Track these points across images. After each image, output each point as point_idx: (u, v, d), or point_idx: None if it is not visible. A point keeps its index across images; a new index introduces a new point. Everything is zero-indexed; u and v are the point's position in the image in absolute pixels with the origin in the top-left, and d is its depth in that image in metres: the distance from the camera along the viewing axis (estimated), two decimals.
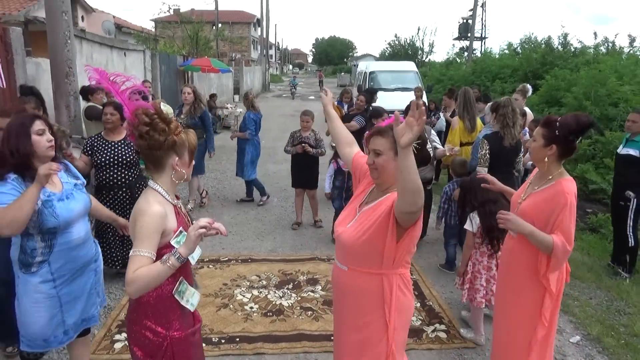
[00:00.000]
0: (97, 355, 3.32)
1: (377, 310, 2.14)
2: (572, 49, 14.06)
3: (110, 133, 4.19)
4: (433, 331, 3.74)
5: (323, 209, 6.48)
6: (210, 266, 4.84)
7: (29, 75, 6.13)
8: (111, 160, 4.11)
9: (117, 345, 3.42)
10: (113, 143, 4.15)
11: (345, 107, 8.50)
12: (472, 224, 3.63)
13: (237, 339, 3.53)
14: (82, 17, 19.96)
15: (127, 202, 4.16)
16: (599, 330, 3.83)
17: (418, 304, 4.11)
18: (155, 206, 1.85)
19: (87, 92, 6.17)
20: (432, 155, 5.08)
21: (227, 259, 5.06)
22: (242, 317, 3.85)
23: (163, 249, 1.84)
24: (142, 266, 1.75)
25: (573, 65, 11.73)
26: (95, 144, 4.15)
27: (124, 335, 3.53)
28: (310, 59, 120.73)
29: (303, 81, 56.83)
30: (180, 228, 1.95)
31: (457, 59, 25.75)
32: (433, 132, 5.79)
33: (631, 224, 4.70)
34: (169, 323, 1.95)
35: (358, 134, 6.64)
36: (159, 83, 12.38)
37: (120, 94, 2.03)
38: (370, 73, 16.11)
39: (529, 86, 7.02)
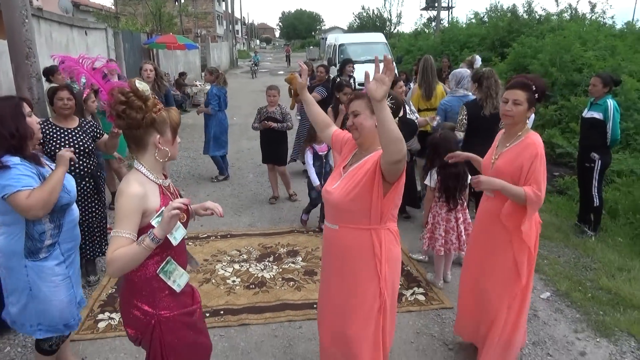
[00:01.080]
0: (82, 334, 3.32)
1: (368, 264, 2.29)
2: (537, 17, 14.26)
3: (62, 120, 3.78)
4: (412, 294, 3.87)
5: (299, 183, 6.52)
6: (190, 243, 4.84)
7: None
8: (74, 148, 3.70)
9: (101, 325, 3.42)
10: (69, 131, 3.76)
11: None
12: (431, 180, 4.04)
13: (222, 312, 3.58)
14: None
15: (93, 192, 3.91)
16: (567, 286, 4.03)
17: None
18: (133, 186, 1.84)
19: (48, 73, 5.96)
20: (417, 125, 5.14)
21: (206, 235, 5.06)
22: (225, 290, 3.89)
23: (145, 229, 1.84)
24: (121, 247, 1.76)
25: (539, 32, 11.91)
26: (47, 132, 3.69)
27: (107, 314, 3.55)
28: (277, 34, 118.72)
29: (271, 56, 55.98)
30: (163, 208, 1.91)
31: (425, 30, 25.78)
32: (411, 103, 5.83)
33: (596, 184, 4.91)
34: (155, 302, 1.95)
35: (320, 105, 6.63)
36: (124, 62, 12.02)
37: (93, 75, 1.98)
38: (340, 45, 16.03)
39: (477, 57, 7.37)
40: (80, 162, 3.77)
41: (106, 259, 1.78)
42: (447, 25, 22.49)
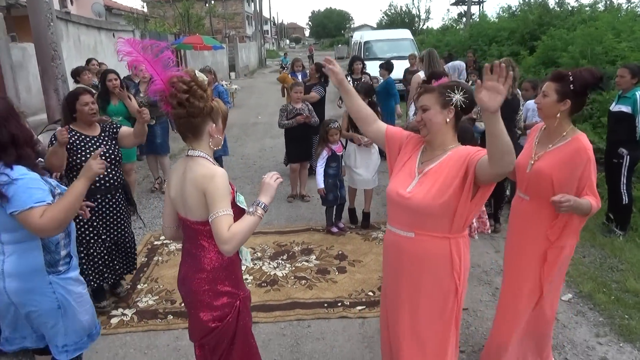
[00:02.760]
0: None
1: (447, 276, 2.10)
2: (569, 8, 13.76)
3: (86, 126, 3.39)
4: None
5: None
6: None
7: (14, 60, 6.09)
8: (102, 157, 3.25)
9: (114, 320, 3.49)
10: (94, 138, 3.40)
11: (299, 76, 8.33)
12: None
13: None
14: (71, 0, 19.64)
15: (123, 205, 3.56)
16: (591, 287, 3.85)
17: None
18: (218, 168, 1.90)
19: (75, 74, 6.11)
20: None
21: None
22: None
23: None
24: (230, 223, 1.82)
25: (570, 24, 11.48)
26: (73, 142, 3.30)
27: (120, 310, 3.60)
28: (307, 33, 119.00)
29: (300, 55, 56.05)
30: (235, 187, 2.02)
31: (454, 25, 25.30)
32: None
33: (625, 181, 4.68)
34: (236, 282, 2.05)
35: (318, 105, 6.55)
36: None
37: (153, 64, 1.91)
38: (365, 43, 15.89)
39: (433, 51, 7.30)
40: (112, 173, 3.43)
41: (221, 238, 1.80)
42: (477, 20, 22.00)
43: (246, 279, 4.05)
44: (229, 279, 2.01)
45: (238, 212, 1.94)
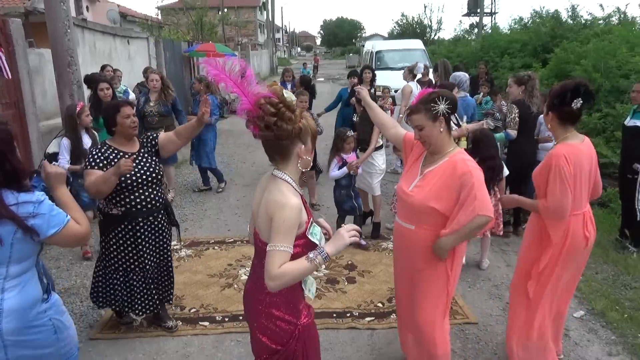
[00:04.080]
0: (104, 334, 3.41)
1: (439, 265, 2.47)
2: (583, 21, 13.70)
3: (125, 142, 3.12)
4: None
5: (328, 189, 6.48)
6: (216, 247, 4.90)
7: (32, 66, 6.17)
8: (144, 176, 3.07)
9: (123, 326, 3.49)
10: (135, 155, 3.09)
11: (289, 86, 8.37)
12: None
13: (241, 317, 3.57)
14: (87, 7, 19.95)
15: (166, 227, 3.29)
16: (603, 305, 3.80)
17: None
18: (293, 198, 1.80)
19: (90, 81, 6.16)
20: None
21: (232, 240, 5.11)
22: None
23: (295, 241, 1.81)
24: (285, 262, 1.74)
25: (583, 37, 11.43)
26: (113, 159, 3.02)
27: (132, 316, 3.59)
28: (318, 41, 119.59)
29: (311, 64, 56.29)
30: (312, 219, 1.92)
31: (466, 36, 25.30)
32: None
33: (639, 197, 4.63)
34: (296, 311, 1.96)
35: None
36: (164, 70, 12.38)
37: (239, 85, 1.84)
38: (377, 52, 15.91)
39: (420, 65, 7.47)
40: (153, 193, 3.13)
41: (269, 274, 1.73)
42: (489, 31, 21.98)
43: None
44: (285, 306, 1.93)
45: (308, 245, 1.86)
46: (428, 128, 2.38)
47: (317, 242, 1.86)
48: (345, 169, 4.79)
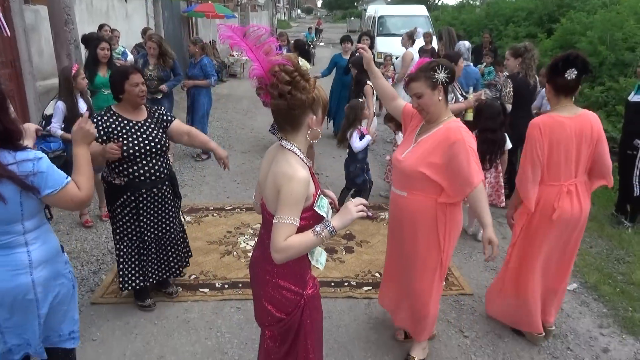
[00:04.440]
0: (106, 298, 3.47)
1: (432, 231, 2.52)
2: None
3: (132, 110, 3.03)
4: None
5: (327, 158, 6.47)
6: (215, 214, 4.92)
7: (27, 23, 6.01)
8: (148, 147, 2.99)
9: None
10: (139, 124, 3.03)
11: (284, 50, 8.22)
12: None
13: (240, 285, 3.64)
14: None
15: (170, 198, 3.24)
16: (596, 278, 3.87)
17: None
18: (301, 170, 1.77)
19: (88, 41, 6.01)
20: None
21: (231, 207, 5.13)
22: (245, 263, 3.94)
23: (302, 213, 1.80)
24: (290, 234, 1.74)
25: (590, 6, 11.19)
26: (114, 127, 2.94)
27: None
28: (319, 4, 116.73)
29: (312, 26, 55.12)
30: (319, 191, 1.91)
31: (470, 2, 24.71)
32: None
33: (637, 173, 4.62)
34: (302, 282, 1.98)
35: None
36: (162, 30, 12.10)
37: (255, 50, 1.77)
38: (379, 18, 15.59)
39: (419, 29, 7.58)
40: (157, 164, 3.06)
41: (274, 246, 1.74)
42: None
43: None
44: (291, 276, 1.94)
45: (315, 217, 1.85)
46: (427, 96, 2.41)
47: (325, 215, 1.85)
48: (368, 138, 4.68)
